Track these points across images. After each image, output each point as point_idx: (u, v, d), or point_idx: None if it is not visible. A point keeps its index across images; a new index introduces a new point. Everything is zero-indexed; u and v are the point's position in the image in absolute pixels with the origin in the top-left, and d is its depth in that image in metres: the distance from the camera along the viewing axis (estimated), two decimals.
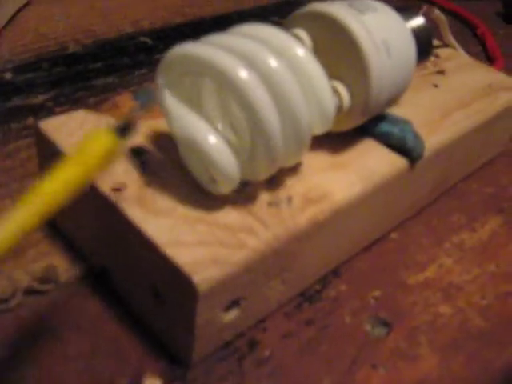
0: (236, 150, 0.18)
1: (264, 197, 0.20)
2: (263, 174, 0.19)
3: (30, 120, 0.29)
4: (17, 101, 0.31)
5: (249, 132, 0.18)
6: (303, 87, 0.18)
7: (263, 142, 0.18)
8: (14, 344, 0.19)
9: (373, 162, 0.22)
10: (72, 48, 0.36)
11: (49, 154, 0.21)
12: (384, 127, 0.23)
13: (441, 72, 0.30)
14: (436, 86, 0.28)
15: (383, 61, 0.20)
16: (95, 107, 0.23)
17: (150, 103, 0.18)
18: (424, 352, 0.21)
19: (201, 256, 0.17)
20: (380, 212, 0.23)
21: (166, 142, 0.21)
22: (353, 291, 0.23)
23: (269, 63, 0.17)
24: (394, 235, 0.26)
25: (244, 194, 0.19)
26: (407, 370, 0.20)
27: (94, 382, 0.18)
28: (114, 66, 0.35)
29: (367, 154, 0.22)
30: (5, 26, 0.37)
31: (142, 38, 0.38)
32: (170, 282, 0.17)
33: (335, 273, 0.23)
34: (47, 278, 0.21)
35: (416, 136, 0.23)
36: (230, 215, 0.19)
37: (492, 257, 0.25)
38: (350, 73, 0.20)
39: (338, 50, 0.20)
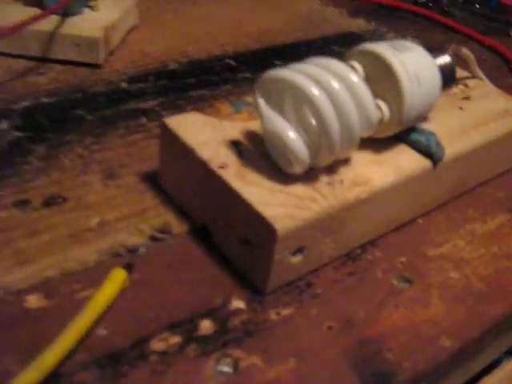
0: (307, 145, 0.26)
1: (324, 178, 0.28)
2: (324, 162, 0.27)
3: (144, 120, 0.38)
4: (132, 104, 0.40)
5: (317, 133, 0.26)
6: (356, 103, 0.26)
7: (327, 141, 0.26)
8: (145, 273, 0.28)
9: (404, 161, 0.30)
10: (171, 66, 0.45)
11: (171, 143, 0.30)
12: (414, 136, 0.31)
13: (467, 98, 0.37)
14: (461, 108, 0.36)
15: (414, 89, 0.28)
16: (202, 110, 0.32)
17: (242, 109, 0.27)
18: (434, 301, 0.28)
19: (280, 213, 0.25)
20: (408, 200, 0.31)
21: (255, 136, 0.29)
22: (385, 257, 0.30)
23: (333, 85, 0.26)
24: (419, 220, 0.33)
25: (310, 175, 0.28)
26: (420, 311, 0.28)
27: (198, 299, 0.26)
28: (205, 82, 0.44)
29: (400, 155, 0.30)
30: (118, 46, 0.46)
31: (227, 60, 0.47)
32: (258, 230, 0.26)
33: (372, 243, 0.31)
34: (164, 230, 0.30)
35: (438, 144, 0.31)
36: (300, 188, 0.27)
37: (497, 242, 0.33)
38: (390, 95, 0.28)
39: (383, 78, 0.28)
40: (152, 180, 0.33)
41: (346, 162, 0.29)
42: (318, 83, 0.26)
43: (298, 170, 0.26)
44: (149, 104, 0.40)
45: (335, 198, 0.27)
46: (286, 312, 0.27)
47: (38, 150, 0.34)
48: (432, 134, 0.31)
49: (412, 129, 0.31)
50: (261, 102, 0.27)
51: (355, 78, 0.26)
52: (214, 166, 0.27)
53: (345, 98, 0.26)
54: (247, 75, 0.45)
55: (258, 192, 0.26)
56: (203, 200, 0.29)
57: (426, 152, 0.30)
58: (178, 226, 0.30)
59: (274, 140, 0.26)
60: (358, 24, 0.58)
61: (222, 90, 0.43)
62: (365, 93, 0.27)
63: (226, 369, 0.23)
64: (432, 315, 0.28)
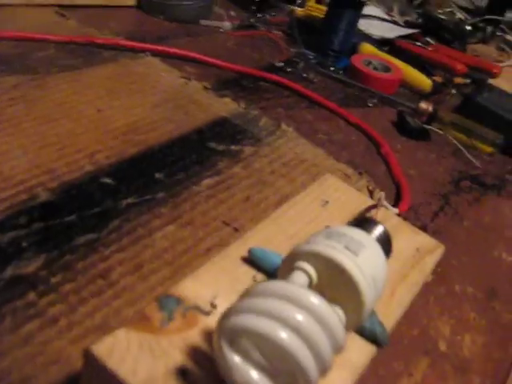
0: None
1: None
2: None
3: (32, 295, 0.31)
4: (10, 270, 0.32)
5: (292, 375, 0.23)
6: (324, 331, 0.24)
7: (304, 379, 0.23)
8: None
9: (354, 355, 0.28)
10: (42, 195, 0.38)
11: (100, 378, 0.25)
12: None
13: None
14: None
15: (372, 292, 0.26)
16: (132, 323, 0.26)
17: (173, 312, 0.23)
18: None
19: None
20: None
21: (201, 357, 0.25)
22: None
23: (298, 320, 0.23)
24: None
25: None
26: None
27: None
28: (87, 218, 0.37)
29: (350, 347, 0.29)
30: None
31: (104, 180, 0.41)
32: None
33: None
34: None
35: (381, 325, 0.30)
36: None
37: None
38: (347, 300, 0.26)
39: (339, 283, 0.26)
40: None
41: None
42: (282, 321, 0.23)
43: None
44: (31, 266, 0.33)
45: None
46: None
47: None
48: (375, 317, 0.30)
49: None
50: (228, 352, 0.23)
51: (317, 303, 0.24)
52: None
53: (314, 331, 0.23)
54: (130, 200, 0.40)
55: None
56: None
57: (372, 340, 0.29)
58: None
59: None
60: (227, 105, 0.55)
61: (110, 230, 0.37)
62: (332, 318, 0.24)
63: None
64: None
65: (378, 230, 0.31)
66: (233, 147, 0.49)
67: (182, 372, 0.25)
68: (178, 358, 0.25)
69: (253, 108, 0.56)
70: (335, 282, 0.26)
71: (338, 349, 0.25)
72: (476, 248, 0.47)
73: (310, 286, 0.27)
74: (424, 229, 0.45)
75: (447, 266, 0.43)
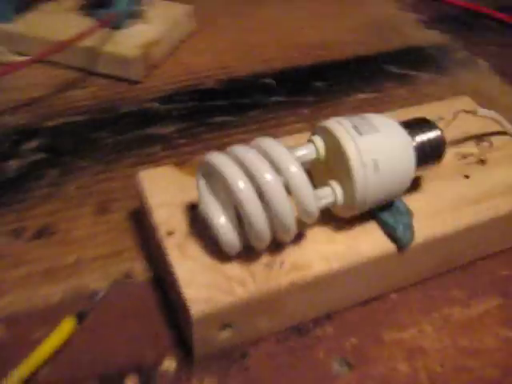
0: (237, 231, 0.26)
1: (264, 259, 0.28)
2: (258, 246, 0.27)
3: (157, 148, 0.40)
4: (153, 129, 0.41)
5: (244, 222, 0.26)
6: (293, 194, 0.26)
7: (253, 231, 0.26)
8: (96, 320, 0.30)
9: (364, 244, 0.29)
10: (208, 84, 0.46)
11: (141, 195, 0.31)
12: (383, 216, 0.29)
13: (482, 162, 0.34)
14: (467, 177, 0.33)
15: (369, 175, 0.26)
16: (181, 165, 0.32)
17: None
18: None
19: (202, 296, 0.26)
20: (370, 280, 0.30)
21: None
22: (336, 334, 0.30)
23: (264, 177, 0.25)
24: (393, 295, 0.32)
25: (251, 255, 0.28)
26: None
27: (134, 353, 0.28)
28: (235, 106, 0.44)
29: (363, 236, 0.29)
30: (164, 59, 0.48)
31: (267, 80, 0.47)
32: (183, 305, 0.26)
33: (329, 316, 0.30)
34: (129, 275, 0.32)
35: (407, 228, 0.29)
36: (234, 268, 0.27)
37: (471, 333, 0.30)
38: (344, 178, 0.27)
39: (339, 160, 0.27)
40: (139, 218, 0.35)
41: (296, 240, 0.28)
42: (250, 175, 0.25)
43: (229, 252, 0.27)
44: (169, 129, 0.41)
45: (267, 282, 0.27)
46: (208, 382, 0.28)
47: (52, 174, 0.38)
48: (404, 214, 0.29)
49: (387, 206, 0.29)
50: (201, 182, 0.27)
51: (294, 169, 0.26)
52: (162, 232, 0.29)
53: (275, 190, 0.25)
54: (280, 99, 0.45)
55: (191, 268, 0.27)
56: (157, 254, 0.30)
57: (391, 235, 0.29)
58: (143, 273, 0.32)
59: (207, 222, 0.27)
60: (432, 36, 0.54)
61: (248, 117, 0.43)
62: (302, 185, 0.26)
63: None
64: None
65: (428, 135, 0.29)
66: (411, 72, 0.48)
67: (193, 206, 0.30)
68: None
69: (459, 43, 0.53)
70: (337, 157, 0.27)
71: (303, 215, 0.26)
72: None
73: (317, 159, 0.28)
74: None
75: None
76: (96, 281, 0.31)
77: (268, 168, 0.25)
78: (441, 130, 0.30)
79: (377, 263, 0.29)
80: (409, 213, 0.30)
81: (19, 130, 0.41)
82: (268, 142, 0.27)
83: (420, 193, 0.31)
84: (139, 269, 0.32)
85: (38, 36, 0.45)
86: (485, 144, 0.35)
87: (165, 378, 0.28)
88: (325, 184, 0.28)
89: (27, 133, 0.40)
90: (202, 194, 0.27)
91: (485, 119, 0.34)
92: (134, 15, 0.47)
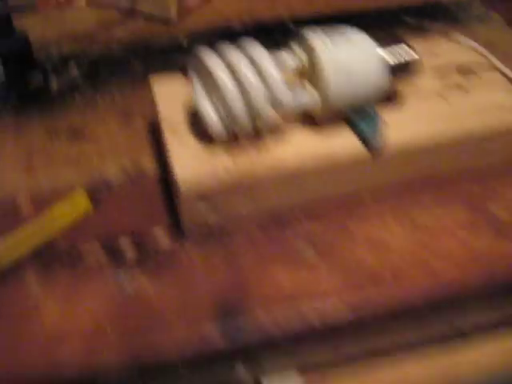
0: (221, 117, 0.31)
1: (247, 149, 0.32)
2: (239, 132, 0.31)
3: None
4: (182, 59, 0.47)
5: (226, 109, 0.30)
6: (266, 86, 0.30)
7: (231, 117, 0.30)
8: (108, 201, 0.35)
9: (338, 146, 0.32)
10: (235, 28, 0.50)
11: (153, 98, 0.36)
12: (357, 121, 0.33)
13: (460, 87, 0.37)
14: (444, 98, 0.36)
15: (342, 78, 0.30)
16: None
17: None
18: (325, 273, 0.32)
19: (191, 174, 0.30)
20: (344, 179, 0.33)
21: None
22: (308, 225, 0.34)
23: (241, 69, 0.30)
24: (366, 195, 0.35)
25: (236, 142, 0.32)
26: (306, 276, 0.31)
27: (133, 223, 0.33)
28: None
29: (338, 139, 0.32)
30: (200, 3, 0.53)
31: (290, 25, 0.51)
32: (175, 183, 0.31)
33: (304, 208, 0.34)
34: (140, 168, 0.37)
35: (377, 131, 0.32)
36: (218, 155, 0.32)
37: (434, 235, 0.33)
38: (318, 82, 0.31)
39: (314, 66, 0.31)
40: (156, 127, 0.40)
41: (278, 134, 0.33)
42: (232, 70, 0.30)
43: (216, 137, 0.31)
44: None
45: (244, 167, 0.31)
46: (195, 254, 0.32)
47: (85, 89, 0.43)
48: (375, 121, 0.33)
49: (361, 114, 0.33)
50: (195, 79, 0.32)
51: (266, 63, 0.30)
52: (164, 125, 0.34)
53: (250, 80, 0.29)
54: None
55: (184, 153, 0.32)
56: (164, 150, 0.35)
57: (361, 138, 0.33)
58: (155, 172, 0.37)
59: (198, 111, 0.32)
60: None
61: None
62: (273, 77, 0.30)
63: None
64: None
65: (394, 49, 0.33)
66: (425, 24, 0.51)
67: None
68: None
69: None
70: (313, 64, 0.31)
71: (275, 103, 0.30)
72: None
73: (301, 68, 0.32)
74: None
75: None
76: (113, 173, 0.37)
77: (246, 63, 0.30)
78: (413, 48, 0.33)
79: (348, 163, 0.33)
80: (380, 119, 0.33)
81: (62, 56, 0.47)
82: (252, 45, 0.31)
83: (398, 107, 0.35)
84: (152, 168, 0.37)
85: None
86: (471, 75, 0.38)
87: (159, 246, 0.33)
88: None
89: (69, 58, 0.46)
90: (195, 88, 0.32)
91: (476, 54, 0.37)
92: None
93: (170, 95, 0.35)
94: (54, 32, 0.49)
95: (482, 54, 0.37)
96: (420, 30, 0.51)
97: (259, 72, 0.30)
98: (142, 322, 0.29)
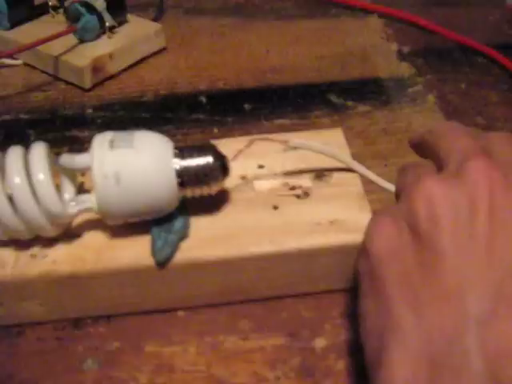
0: None
1: (33, 249, 0.30)
2: (17, 237, 0.30)
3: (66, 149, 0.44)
4: (73, 132, 0.46)
5: None
6: (37, 197, 0.28)
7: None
8: None
9: (127, 252, 0.30)
10: (148, 97, 0.49)
11: None
12: (154, 229, 0.30)
13: (305, 194, 0.33)
14: (276, 208, 0.32)
15: (110, 187, 0.28)
16: None
17: None
18: None
19: None
20: (143, 291, 0.31)
21: None
22: (104, 336, 0.31)
23: (14, 182, 0.28)
24: (180, 313, 0.32)
25: (23, 245, 0.30)
26: None
27: None
28: (157, 118, 0.46)
29: (132, 245, 0.30)
30: (122, 71, 0.52)
31: (200, 98, 0.49)
32: None
33: (108, 317, 0.32)
34: None
35: (168, 245, 0.29)
36: (4, 253, 0.30)
37: (229, 365, 0.30)
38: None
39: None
40: None
41: (68, 238, 0.31)
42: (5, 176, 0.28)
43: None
44: (85, 134, 0.45)
45: (22, 269, 0.29)
46: None
47: None
48: (174, 232, 0.30)
49: (162, 220, 0.31)
50: None
51: (41, 177, 0.28)
52: None
53: (22, 194, 0.28)
54: (201, 116, 0.46)
55: None
56: None
57: (151, 248, 0.30)
58: None
59: None
60: (397, 69, 0.52)
61: (161, 131, 0.45)
62: (45, 190, 0.28)
63: None
64: None
65: (198, 160, 0.30)
66: (349, 103, 0.47)
67: None
68: None
69: (427, 77, 0.50)
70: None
71: (52, 216, 0.29)
72: None
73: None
74: None
75: None
76: None
77: (20, 173, 0.28)
78: (218, 156, 0.30)
79: (132, 273, 0.30)
80: (180, 231, 0.30)
81: None
82: (35, 149, 0.29)
83: (218, 216, 0.32)
84: None
85: (23, 42, 0.52)
86: (324, 179, 0.34)
87: None
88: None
89: None
90: None
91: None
92: (100, 31, 0.52)
93: None
94: None
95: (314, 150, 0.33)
96: (338, 109, 0.47)
97: (32, 180, 0.28)
98: None
